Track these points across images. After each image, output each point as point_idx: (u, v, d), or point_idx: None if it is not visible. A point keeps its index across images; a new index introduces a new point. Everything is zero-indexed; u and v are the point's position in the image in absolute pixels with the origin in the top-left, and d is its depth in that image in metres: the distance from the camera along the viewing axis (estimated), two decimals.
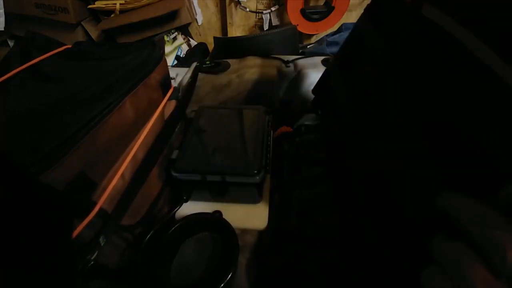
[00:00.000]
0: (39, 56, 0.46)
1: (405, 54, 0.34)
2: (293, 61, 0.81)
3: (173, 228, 0.42)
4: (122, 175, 0.41)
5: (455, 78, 0.26)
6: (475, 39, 0.23)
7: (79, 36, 1.21)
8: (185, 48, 1.34)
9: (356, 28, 0.48)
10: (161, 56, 0.53)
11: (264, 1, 1.41)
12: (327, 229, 0.46)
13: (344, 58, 0.51)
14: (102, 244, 0.37)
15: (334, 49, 1.07)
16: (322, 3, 1.41)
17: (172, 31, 1.28)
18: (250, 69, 0.78)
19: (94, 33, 1.22)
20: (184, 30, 1.37)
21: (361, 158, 0.39)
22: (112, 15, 1.17)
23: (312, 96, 0.62)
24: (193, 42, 1.38)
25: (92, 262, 0.35)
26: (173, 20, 1.22)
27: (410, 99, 0.31)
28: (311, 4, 1.42)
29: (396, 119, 0.33)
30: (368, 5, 0.46)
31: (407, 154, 0.30)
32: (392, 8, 0.40)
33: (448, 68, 0.27)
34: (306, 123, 0.64)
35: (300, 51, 1.14)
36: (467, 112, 0.23)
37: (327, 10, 1.35)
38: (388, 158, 0.33)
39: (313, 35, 1.48)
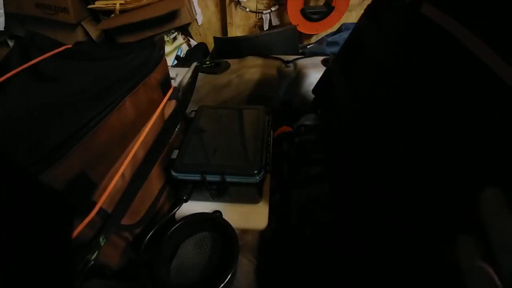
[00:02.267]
0: (39, 56, 0.46)
1: (405, 54, 0.34)
2: (293, 61, 0.81)
3: (173, 228, 0.42)
4: (122, 175, 0.41)
5: (454, 77, 0.26)
6: (475, 39, 0.23)
7: (79, 36, 1.21)
8: (185, 48, 1.34)
9: (357, 28, 0.48)
10: (161, 56, 0.53)
11: (264, 1, 1.40)
12: (326, 228, 0.46)
13: (345, 58, 0.51)
14: (102, 244, 0.37)
15: (334, 49, 1.07)
16: (322, 3, 1.41)
17: (172, 31, 1.28)
18: (250, 69, 0.78)
19: (94, 33, 1.22)
20: (184, 30, 1.37)
21: (361, 159, 0.39)
22: (112, 15, 1.16)
23: (312, 96, 0.62)
24: (193, 42, 1.38)
25: (92, 262, 0.35)
26: (173, 20, 1.22)
27: (411, 100, 0.31)
28: (311, 4, 1.42)
29: (398, 120, 0.33)
30: (369, 5, 0.46)
31: (408, 155, 0.29)
32: (392, 8, 0.40)
33: (448, 68, 0.27)
34: (306, 123, 0.64)
35: (300, 51, 1.14)
36: (466, 111, 0.23)
37: (327, 10, 1.35)
38: (389, 159, 0.33)
39: (313, 35, 1.48)
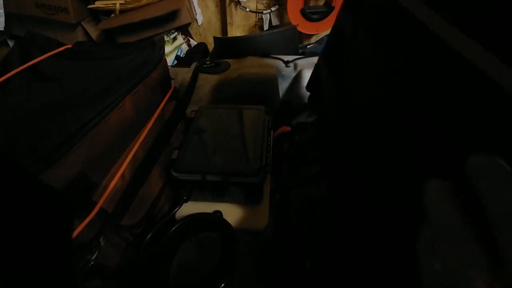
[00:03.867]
0: (39, 56, 0.46)
1: (381, 43, 0.33)
2: (293, 61, 0.81)
3: (173, 228, 0.42)
4: (122, 175, 0.41)
5: (426, 66, 0.26)
6: (447, 25, 0.23)
7: (79, 36, 1.21)
8: (185, 48, 1.34)
9: (337, 19, 0.48)
10: (161, 56, 0.53)
11: (264, 1, 1.41)
12: (323, 227, 0.46)
13: (329, 50, 0.51)
14: (102, 244, 0.37)
15: None
16: (322, 3, 1.41)
17: (172, 31, 1.28)
18: (250, 69, 0.78)
19: (94, 33, 1.22)
20: (184, 30, 1.37)
21: (346, 152, 0.39)
22: (112, 15, 1.16)
23: None
24: (193, 42, 1.38)
25: (92, 262, 0.35)
26: (173, 20, 1.22)
27: (387, 90, 0.31)
28: (311, 4, 1.42)
29: (376, 111, 0.33)
30: None
31: (387, 146, 0.30)
32: None
33: (420, 57, 0.27)
34: (304, 120, 0.64)
35: (300, 51, 1.14)
36: (440, 100, 0.23)
37: (327, 10, 1.35)
38: (370, 150, 0.33)
39: (313, 35, 1.48)
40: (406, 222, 0.22)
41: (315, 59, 0.81)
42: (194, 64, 0.80)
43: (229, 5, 1.38)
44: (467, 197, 0.14)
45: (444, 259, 0.14)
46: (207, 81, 0.77)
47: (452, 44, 0.21)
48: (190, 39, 1.39)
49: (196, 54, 1.27)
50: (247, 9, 1.41)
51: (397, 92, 0.29)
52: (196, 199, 0.50)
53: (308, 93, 0.65)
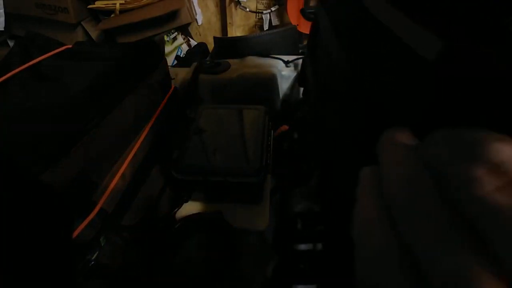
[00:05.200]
0: (39, 56, 0.46)
1: (343, 30, 0.33)
2: (293, 61, 0.81)
3: (173, 228, 0.42)
4: (123, 175, 0.41)
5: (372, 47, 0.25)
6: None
7: (79, 36, 1.21)
8: (185, 48, 1.34)
9: (315, 11, 0.48)
10: (161, 56, 0.53)
11: (264, 1, 1.40)
12: (317, 222, 0.46)
13: (310, 44, 0.51)
14: (102, 244, 0.37)
15: None
16: None
17: (172, 31, 1.28)
18: (250, 69, 0.78)
19: (94, 33, 1.22)
20: (184, 30, 1.37)
21: (325, 142, 0.39)
22: (112, 15, 1.16)
23: None
24: (193, 42, 1.38)
25: (92, 262, 0.35)
26: (173, 20, 1.22)
27: (347, 77, 0.31)
28: (311, 4, 1.42)
29: (339, 101, 0.33)
30: None
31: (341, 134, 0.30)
32: None
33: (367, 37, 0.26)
34: (301, 116, 0.64)
35: (300, 51, 1.14)
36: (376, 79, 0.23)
37: None
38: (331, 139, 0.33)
39: None
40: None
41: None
42: (194, 64, 0.80)
43: (229, 5, 1.38)
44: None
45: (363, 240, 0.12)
46: (207, 81, 0.77)
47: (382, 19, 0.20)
48: (190, 39, 1.39)
49: (196, 54, 1.27)
50: (247, 9, 1.41)
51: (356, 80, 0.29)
52: (196, 199, 0.50)
53: None
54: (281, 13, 1.42)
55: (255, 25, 1.49)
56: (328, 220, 0.40)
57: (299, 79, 0.60)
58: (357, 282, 0.12)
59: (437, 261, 0.09)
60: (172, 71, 0.72)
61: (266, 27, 1.45)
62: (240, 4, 1.38)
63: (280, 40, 0.97)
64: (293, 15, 1.34)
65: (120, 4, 1.13)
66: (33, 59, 0.45)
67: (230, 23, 1.44)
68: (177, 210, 0.48)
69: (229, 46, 0.96)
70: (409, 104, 0.18)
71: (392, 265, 0.10)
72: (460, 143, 0.09)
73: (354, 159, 0.25)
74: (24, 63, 0.44)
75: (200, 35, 1.48)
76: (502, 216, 0.08)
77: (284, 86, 0.79)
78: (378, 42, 0.22)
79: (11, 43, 1.28)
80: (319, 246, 0.45)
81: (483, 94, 0.12)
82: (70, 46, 0.52)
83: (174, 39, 1.30)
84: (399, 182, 0.11)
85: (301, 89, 0.75)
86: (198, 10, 1.37)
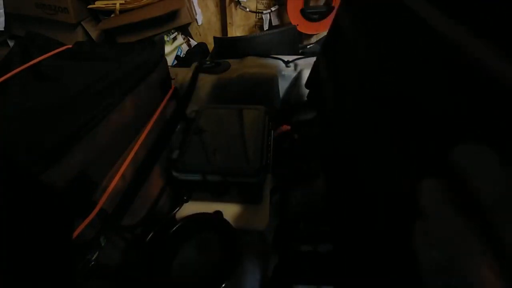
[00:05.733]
0: (39, 56, 0.46)
1: (374, 37, 0.33)
2: (293, 61, 0.81)
3: (173, 228, 0.42)
4: (123, 175, 0.41)
5: (414, 54, 0.25)
6: (438, 14, 0.22)
7: (79, 36, 1.21)
8: (185, 48, 1.34)
9: (336, 14, 0.48)
10: (161, 56, 0.53)
11: (264, 1, 1.40)
12: (322, 225, 0.46)
13: (328, 46, 0.50)
14: (102, 244, 0.37)
15: None
16: (322, 3, 1.41)
17: (172, 31, 1.28)
18: (250, 69, 0.78)
19: (94, 33, 1.22)
20: (184, 30, 1.37)
21: (343, 147, 0.39)
22: (112, 15, 1.16)
23: None
24: (193, 42, 1.38)
25: (92, 262, 0.35)
26: (173, 20, 1.22)
27: (379, 83, 0.31)
28: (311, 4, 1.42)
29: (368, 106, 0.32)
30: None
31: (380, 141, 0.30)
32: None
33: (409, 45, 0.26)
34: (303, 118, 0.64)
35: (300, 51, 1.14)
36: (429, 93, 0.23)
37: (327, 10, 1.35)
38: (363, 146, 0.33)
39: (313, 35, 1.47)
40: (402, 217, 0.22)
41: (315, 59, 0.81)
42: (194, 64, 0.80)
43: (229, 5, 1.38)
44: (458, 191, 0.15)
45: (442, 248, 0.14)
46: (207, 81, 0.77)
47: (450, 38, 0.21)
48: (190, 39, 1.39)
49: (196, 54, 1.27)
50: (247, 9, 1.40)
51: (388, 84, 0.29)
52: (197, 199, 0.50)
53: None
54: (281, 13, 1.42)
55: (255, 25, 1.49)
56: (340, 223, 0.40)
57: (308, 82, 0.60)
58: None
59: None
60: (172, 71, 0.72)
61: (266, 27, 1.45)
62: (240, 4, 1.38)
63: (280, 40, 0.97)
64: (293, 15, 1.34)
65: (120, 4, 1.13)
66: (33, 59, 0.45)
67: (230, 23, 1.44)
68: (177, 210, 0.48)
69: (229, 46, 0.96)
70: (477, 124, 0.18)
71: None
72: None
73: (401, 169, 0.25)
74: (24, 63, 0.44)
75: (200, 35, 1.48)
76: None
77: (284, 86, 0.79)
78: (444, 63, 0.22)
79: (11, 43, 1.28)
80: (320, 246, 0.45)
81: None
82: (70, 46, 0.52)
83: (174, 39, 1.30)
84: (498, 196, 0.13)
85: (301, 89, 0.75)
86: (198, 10, 1.37)
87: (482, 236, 0.13)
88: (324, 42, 0.53)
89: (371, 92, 0.32)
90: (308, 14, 1.34)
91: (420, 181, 0.16)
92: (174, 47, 1.29)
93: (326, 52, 0.51)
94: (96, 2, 1.15)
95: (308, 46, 1.24)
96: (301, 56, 0.84)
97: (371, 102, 0.32)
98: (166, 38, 1.25)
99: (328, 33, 0.51)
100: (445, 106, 0.21)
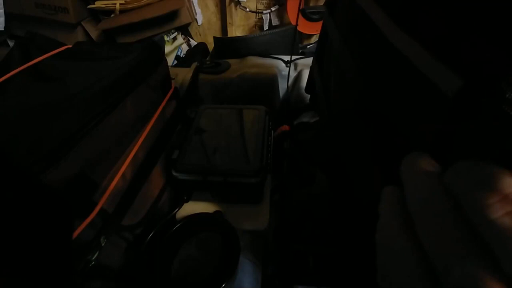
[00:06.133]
0: (39, 56, 0.46)
1: (347, 42, 0.34)
2: (293, 61, 0.81)
3: (174, 228, 0.42)
4: (123, 175, 0.41)
5: (375, 61, 0.26)
6: (388, 20, 0.23)
7: (79, 36, 1.21)
8: (185, 48, 1.34)
9: (323, 20, 0.49)
10: (161, 56, 0.53)
11: (264, 1, 1.40)
12: (325, 226, 0.46)
13: (318, 51, 0.51)
14: (102, 244, 0.37)
15: None
16: (322, 3, 1.41)
17: (172, 31, 1.28)
18: (250, 69, 0.78)
19: (94, 33, 1.22)
20: (184, 30, 1.37)
21: (336, 150, 0.39)
22: (112, 15, 1.16)
23: None
24: (193, 42, 1.38)
25: (93, 262, 0.35)
26: (173, 20, 1.22)
27: (352, 89, 0.31)
28: (311, 4, 1.42)
29: (347, 111, 0.33)
30: None
31: (357, 144, 0.30)
32: None
33: (370, 53, 0.27)
34: (305, 120, 0.64)
35: (300, 51, 1.14)
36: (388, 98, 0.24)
37: None
38: (348, 149, 0.34)
39: (313, 35, 1.47)
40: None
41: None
42: (194, 64, 0.80)
43: (229, 5, 1.38)
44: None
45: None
46: (207, 81, 0.77)
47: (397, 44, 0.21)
48: (190, 39, 1.39)
49: (196, 54, 1.27)
50: (247, 9, 1.40)
51: (355, 90, 0.30)
52: (197, 199, 0.50)
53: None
54: (281, 13, 1.42)
55: (255, 25, 1.49)
56: (341, 226, 0.40)
57: (307, 87, 0.60)
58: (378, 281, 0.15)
59: (451, 268, 0.11)
60: (172, 71, 0.72)
61: (266, 27, 1.45)
62: (240, 4, 1.38)
63: (280, 40, 0.97)
64: (293, 15, 1.34)
65: (120, 4, 1.13)
66: (33, 59, 0.45)
67: (230, 23, 1.44)
68: (177, 210, 0.48)
69: (229, 46, 0.96)
70: (426, 131, 0.19)
71: (411, 269, 0.13)
72: (479, 175, 0.11)
73: (372, 177, 0.26)
74: (24, 63, 0.44)
75: (200, 35, 1.48)
76: (508, 235, 0.10)
77: (284, 86, 0.79)
78: (395, 67, 0.22)
79: (11, 43, 1.28)
80: (321, 247, 0.45)
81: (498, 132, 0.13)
82: (70, 46, 0.52)
83: (174, 39, 1.30)
84: (423, 202, 0.13)
85: (301, 89, 0.75)
86: (198, 10, 1.37)
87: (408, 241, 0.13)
88: (316, 48, 0.53)
89: (348, 102, 0.33)
90: (308, 14, 1.34)
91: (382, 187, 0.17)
92: (174, 47, 1.29)
93: (318, 58, 0.52)
94: (96, 2, 1.15)
95: (308, 46, 1.24)
96: (301, 56, 0.84)
97: (348, 111, 0.33)
98: (166, 38, 1.25)
99: (318, 39, 0.52)
100: (397, 115, 0.22)
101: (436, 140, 0.17)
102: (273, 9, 1.40)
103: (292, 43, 0.76)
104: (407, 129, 0.21)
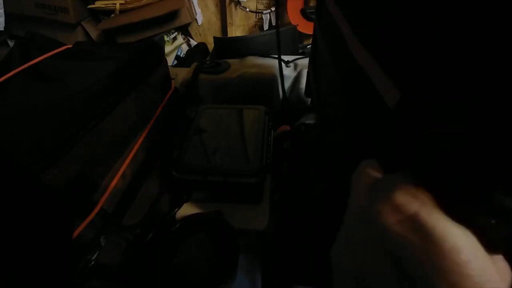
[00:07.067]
0: (39, 56, 0.46)
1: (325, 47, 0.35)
2: (293, 61, 0.81)
3: (173, 228, 0.42)
4: (123, 175, 0.41)
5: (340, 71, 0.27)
6: (350, 31, 0.24)
7: (79, 36, 1.21)
8: (185, 48, 1.34)
9: (314, 26, 0.49)
10: (161, 56, 0.53)
11: (264, 1, 1.40)
12: (325, 226, 0.46)
13: (311, 56, 0.52)
14: (102, 244, 0.37)
15: None
16: None
17: (172, 31, 1.28)
18: (250, 69, 0.78)
19: (94, 33, 1.22)
20: (184, 30, 1.37)
21: (329, 154, 0.40)
22: (112, 15, 1.16)
23: None
24: (193, 42, 1.38)
25: (92, 262, 0.35)
26: (173, 20, 1.22)
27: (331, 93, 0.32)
28: (311, 4, 1.42)
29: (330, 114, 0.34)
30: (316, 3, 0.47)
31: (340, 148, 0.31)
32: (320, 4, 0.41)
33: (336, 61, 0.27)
34: (306, 121, 0.64)
35: (300, 51, 1.14)
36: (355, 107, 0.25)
37: None
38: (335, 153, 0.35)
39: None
40: None
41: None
42: (194, 64, 0.80)
43: (229, 5, 1.38)
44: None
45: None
46: (207, 81, 0.77)
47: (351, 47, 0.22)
48: (190, 39, 1.39)
49: (196, 54, 1.27)
50: (247, 9, 1.40)
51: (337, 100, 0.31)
52: (196, 199, 0.50)
53: None
54: (281, 13, 1.42)
55: (255, 25, 1.49)
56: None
57: (306, 90, 0.61)
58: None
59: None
60: (172, 71, 0.72)
61: (266, 27, 1.45)
62: (240, 4, 1.38)
63: (280, 40, 0.97)
64: (293, 15, 1.34)
65: (120, 4, 1.13)
66: (33, 59, 0.45)
67: (230, 23, 1.44)
68: (177, 210, 0.48)
69: (229, 46, 0.96)
70: (377, 138, 0.20)
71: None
72: (381, 188, 0.14)
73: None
74: (24, 63, 0.44)
75: (200, 35, 1.48)
76: (399, 238, 0.12)
77: (284, 86, 0.79)
78: (356, 76, 0.23)
79: (11, 43, 1.28)
80: (321, 247, 0.45)
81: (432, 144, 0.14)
82: (70, 46, 0.52)
83: (174, 39, 1.30)
84: (353, 213, 0.16)
85: (301, 89, 0.75)
86: (198, 10, 1.37)
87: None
88: (310, 52, 0.54)
89: (335, 107, 0.34)
90: (308, 14, 1.34)
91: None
92: (174, 47, 1.29)
93: (312, 61, 0.52)
94: (96, 2, 1.15)
95: (308, 46, 1.24)
96: (301, 56, 0.84)
97: (335, 116, 0.34)
98: (166, 38, 1.25)
99: (311, 43, 0.52)
100: (360, 123, 0.23)
101: (387, 149, 0.18)
102: (273, 9, 1.40)
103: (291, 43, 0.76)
104: (368, 138, 0.22)
